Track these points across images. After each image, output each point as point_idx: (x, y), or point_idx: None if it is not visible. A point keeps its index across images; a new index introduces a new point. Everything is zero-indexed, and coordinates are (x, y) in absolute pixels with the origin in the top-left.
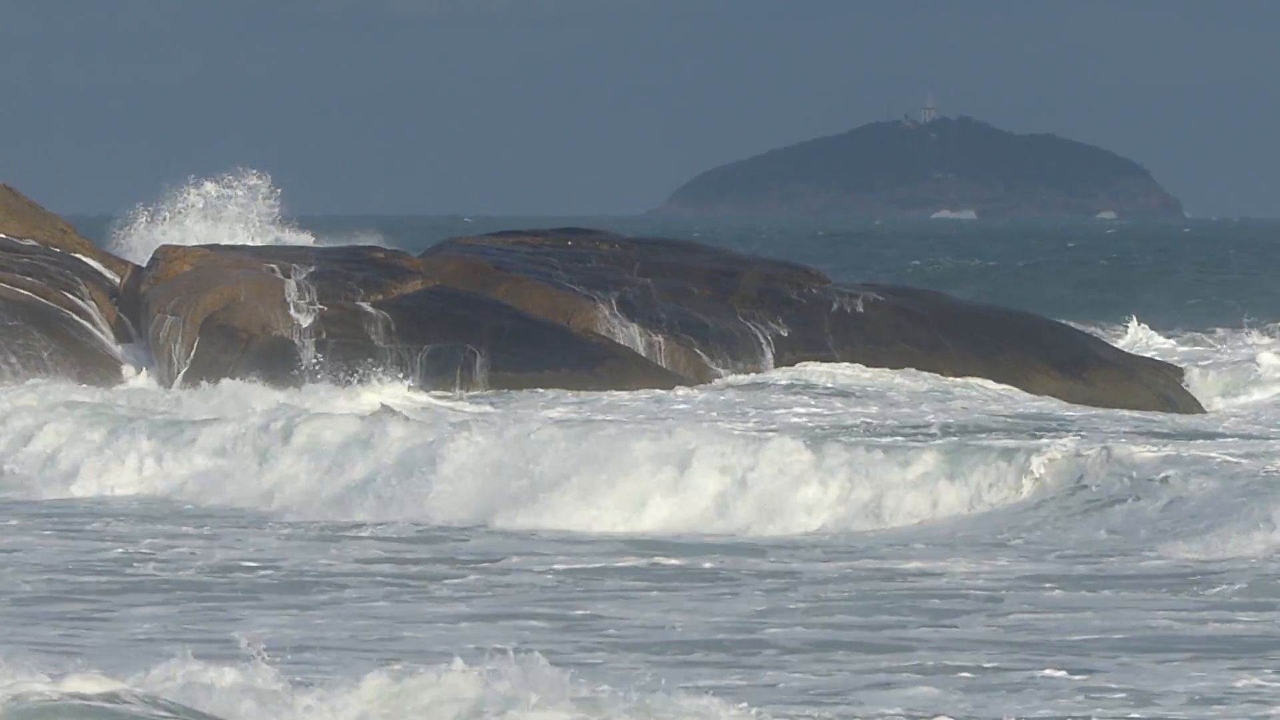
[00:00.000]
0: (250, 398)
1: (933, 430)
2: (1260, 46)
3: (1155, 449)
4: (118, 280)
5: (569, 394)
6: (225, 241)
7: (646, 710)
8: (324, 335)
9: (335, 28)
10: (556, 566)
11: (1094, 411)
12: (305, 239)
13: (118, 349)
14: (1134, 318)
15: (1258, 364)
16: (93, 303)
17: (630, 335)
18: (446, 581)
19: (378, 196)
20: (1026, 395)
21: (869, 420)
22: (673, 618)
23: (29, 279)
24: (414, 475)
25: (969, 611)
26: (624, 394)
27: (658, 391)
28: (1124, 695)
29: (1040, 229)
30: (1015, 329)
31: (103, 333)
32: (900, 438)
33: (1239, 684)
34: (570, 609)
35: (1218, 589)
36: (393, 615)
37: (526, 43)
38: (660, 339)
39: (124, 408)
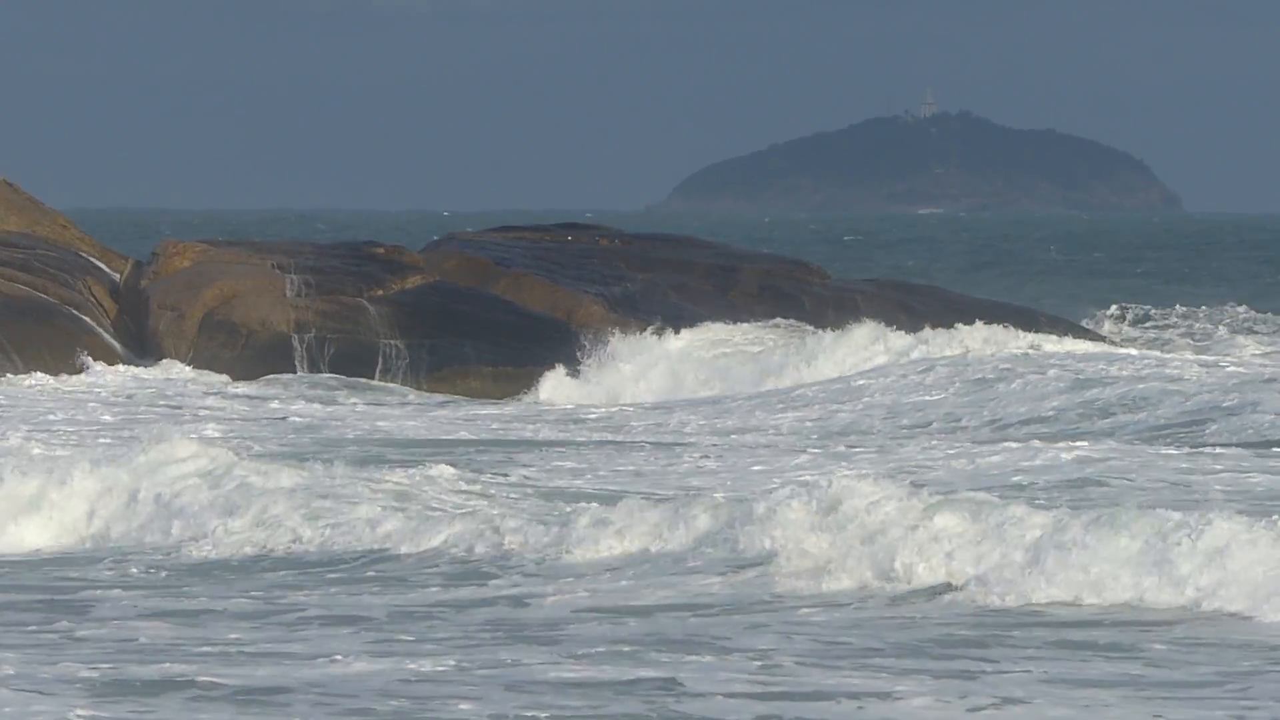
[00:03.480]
0: None
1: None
2: (1261, 42)
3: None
4: (118, 276)
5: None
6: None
7: None
8: (324, 331)
9: (325, 24)
10: None
11: None
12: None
13: (118, 344)
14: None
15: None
16: (93, 298)
17: (630, 331)
18: None
19: (375, 192)
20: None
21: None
22: None
23: (28, 274)
24: None
25: None
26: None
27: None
28: None
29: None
30: (1015, 323)
31: (103, 328)
32: None
33: None
34: None
35: None
36: None
37: (522, 38)
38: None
39: None
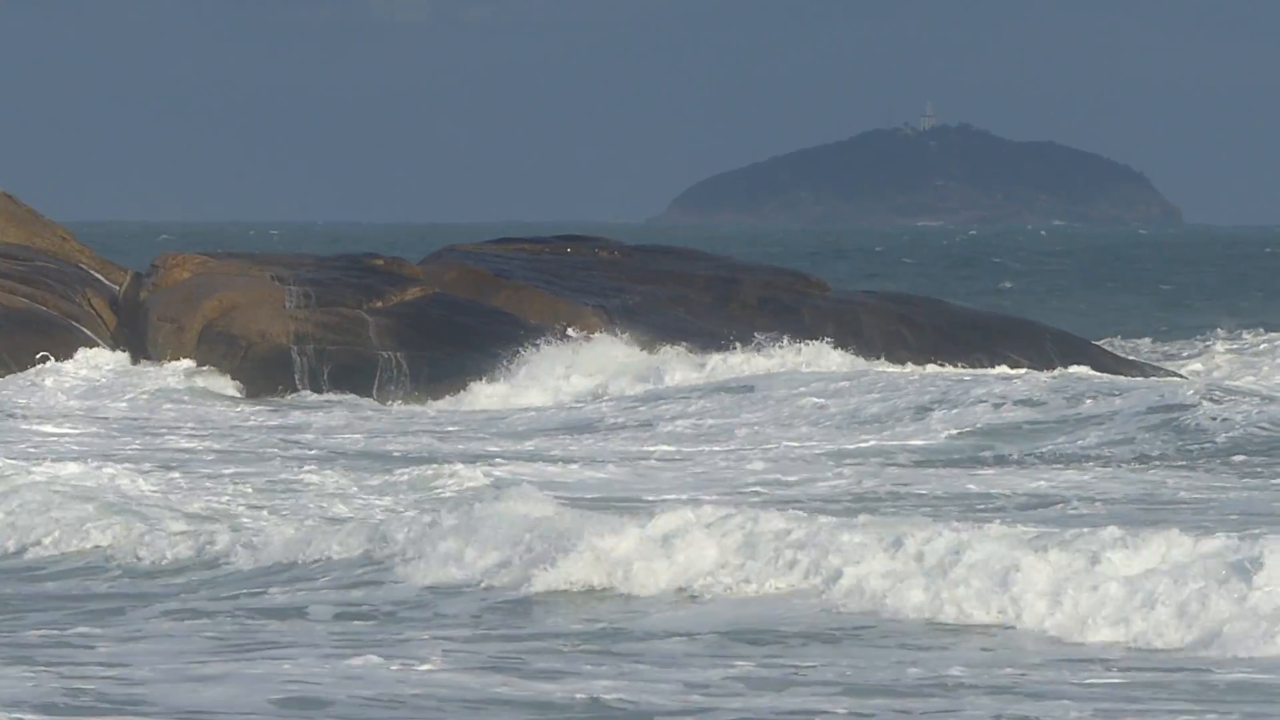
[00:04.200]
0: None
1: None
2: (1261, 54)
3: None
4: (117, 288)
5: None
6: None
7: None
8: (323, 343)
9: (323, 34)
10: None
11: None
12: None
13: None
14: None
15: None
16: (93, 310)
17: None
18: None
19: (373, 205)
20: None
21: None
22: None
23: (28, 286)
24: None
25: None
26: None
27: None
28: None
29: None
30: (1014, 335)
31: (103, 340)
32: None
33: None
34: None
35: None
36: None
37: (521, 49)
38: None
39: None
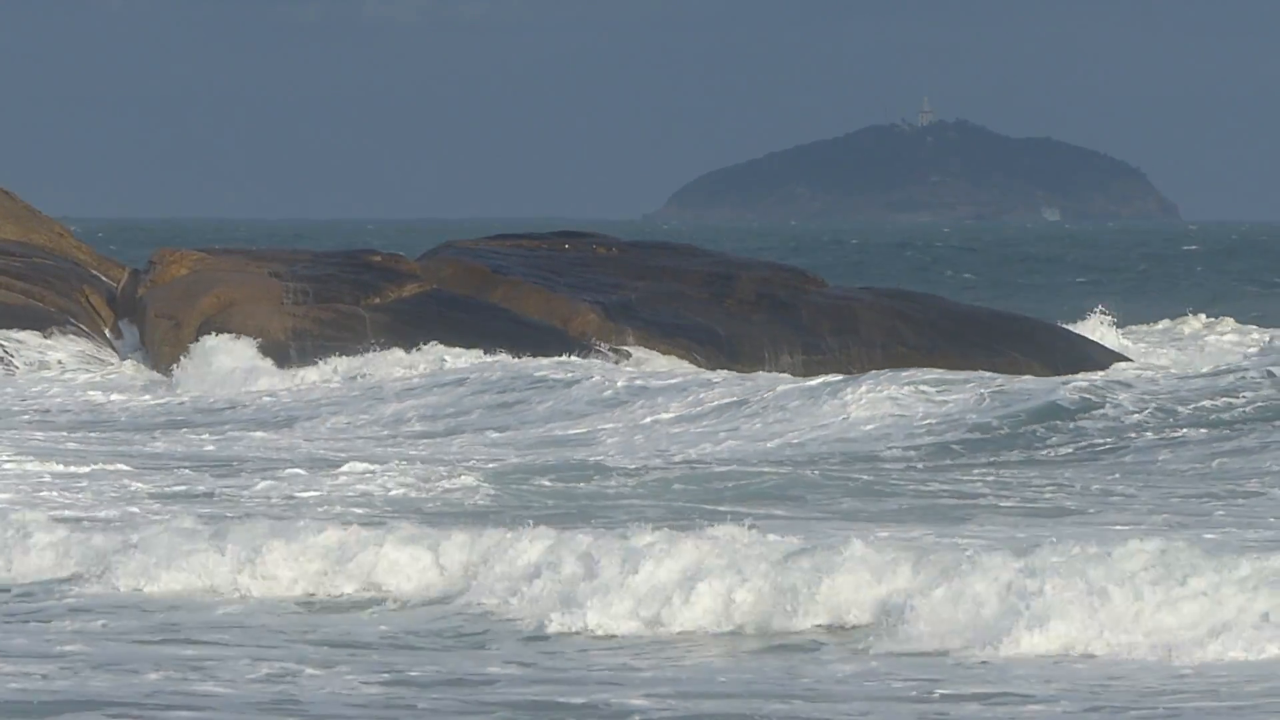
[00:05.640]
0: None
1: None
2: (1258, 51)
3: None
4: (115, 284)
5: None
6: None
7: None
8: (321, 339)
9: (315, 35)
10: None
11: None
12: None
13: (115, 352)
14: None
15: None
16: (90, 306)
17: (626, 339)
18: None
19: (368, 202)
20: None
21: None
22: None
23: (26, 283)
24: None
25: None
26: None
27: None
28: None
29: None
30: (1012, 332)
31: (101, 336)
32: None
33: None
34: None
35: None
36: None
37: (517, 47)
38: (656, 342)
39: None
